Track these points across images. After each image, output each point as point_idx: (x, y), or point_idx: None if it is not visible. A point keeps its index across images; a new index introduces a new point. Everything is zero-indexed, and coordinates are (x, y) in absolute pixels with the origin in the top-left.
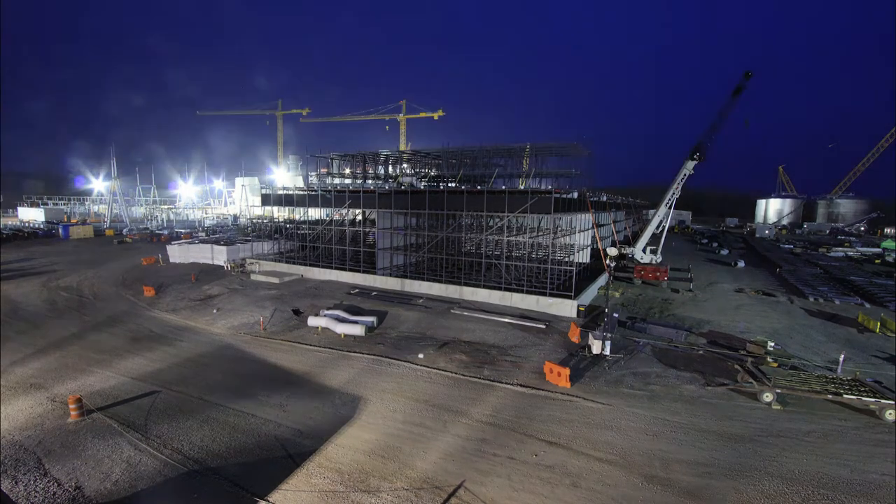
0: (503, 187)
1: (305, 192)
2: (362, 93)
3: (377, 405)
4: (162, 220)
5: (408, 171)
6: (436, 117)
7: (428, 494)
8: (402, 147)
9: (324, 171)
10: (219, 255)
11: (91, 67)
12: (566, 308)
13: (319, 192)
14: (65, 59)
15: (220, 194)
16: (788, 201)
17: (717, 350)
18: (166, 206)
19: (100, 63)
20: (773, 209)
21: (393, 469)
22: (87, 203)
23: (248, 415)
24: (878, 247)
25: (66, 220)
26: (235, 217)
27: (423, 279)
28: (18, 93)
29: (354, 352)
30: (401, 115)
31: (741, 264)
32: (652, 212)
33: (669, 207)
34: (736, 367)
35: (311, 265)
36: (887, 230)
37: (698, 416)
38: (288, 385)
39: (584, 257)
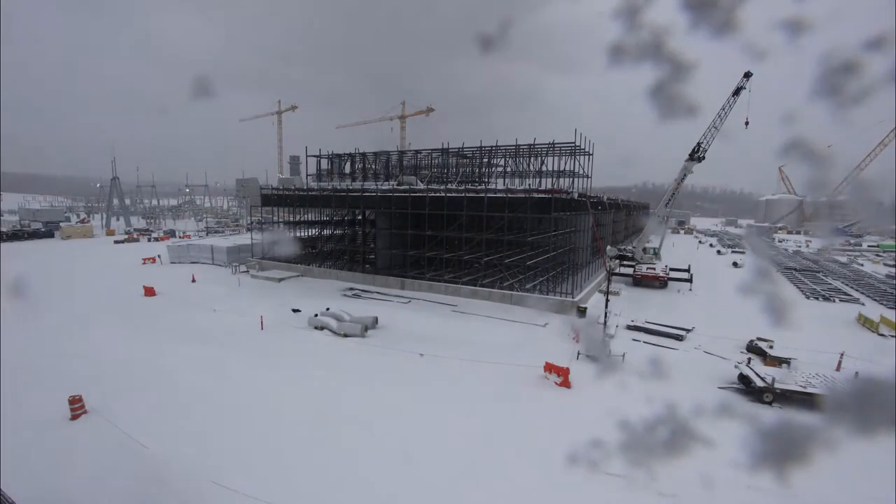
0: (504, 187)
1: (306, 193)
2: (363, 95)
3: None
4: (162, 221)
5: (408, 172)
6: (427, 115)
7: None
8: (402, 147)
9: (324, 171)
10: (219, 255)
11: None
12: (566, 307)
13: (320, 192)
14: None
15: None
16: (788, 200)
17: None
18: (168, 206)
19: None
20: (773, 208)
21: None
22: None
23: None
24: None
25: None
26: (236, 218)
27: (423, 279)
28: None
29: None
30: (400, 115)
31: (742, 265)
32: (652, 212)
33: (669, 207)
34: (736, 365)
35: (311, 265)
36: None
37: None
38: None
39: (583, 257)
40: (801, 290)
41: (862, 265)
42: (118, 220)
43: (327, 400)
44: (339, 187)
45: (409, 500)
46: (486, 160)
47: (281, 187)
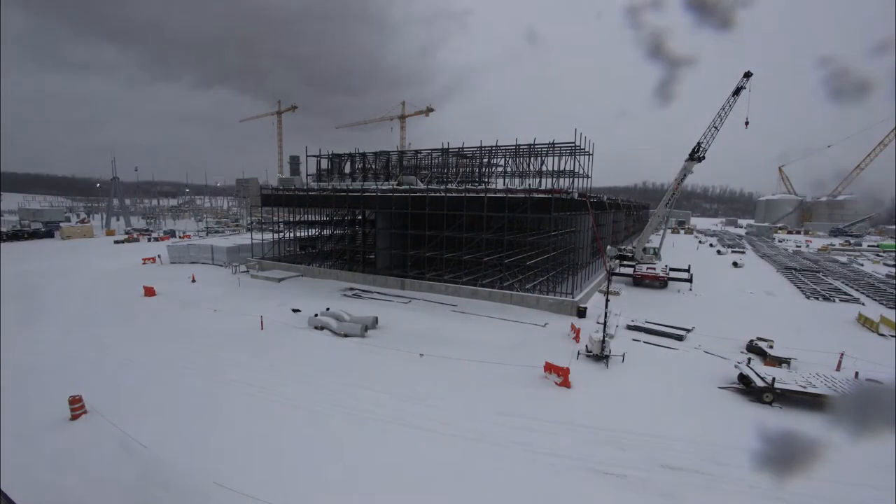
0: (504, 187)
1: (306, 193)
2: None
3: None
4: (162, 220)
5: (408, 172)
6: (427, 115)
7: None
8: (403, 147)
9: (324, 171)
10: (219, 256)
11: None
12: (566, 307)
13: (320, 192)
14: None
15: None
16: (788, 200)
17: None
18: (168, 206)
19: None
20: (773, 208)
21: None
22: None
23: None
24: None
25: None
26: (236, 218)
27: (423, 279)
28: None
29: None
30: (400, 115)
31: (742, 265)
32: (652, 212)
33: (669, 207)
34: (736, 365)
35: (311, 265)
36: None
37: (699, 415)
38: None
39: (583, 257)
40: (801, 290)
41: (862, 265)
42: (118, 220)
43: (327, 400)
44: (339, 187)
45: (409, 500)
46: (486, 160)
47: (281, 187)
